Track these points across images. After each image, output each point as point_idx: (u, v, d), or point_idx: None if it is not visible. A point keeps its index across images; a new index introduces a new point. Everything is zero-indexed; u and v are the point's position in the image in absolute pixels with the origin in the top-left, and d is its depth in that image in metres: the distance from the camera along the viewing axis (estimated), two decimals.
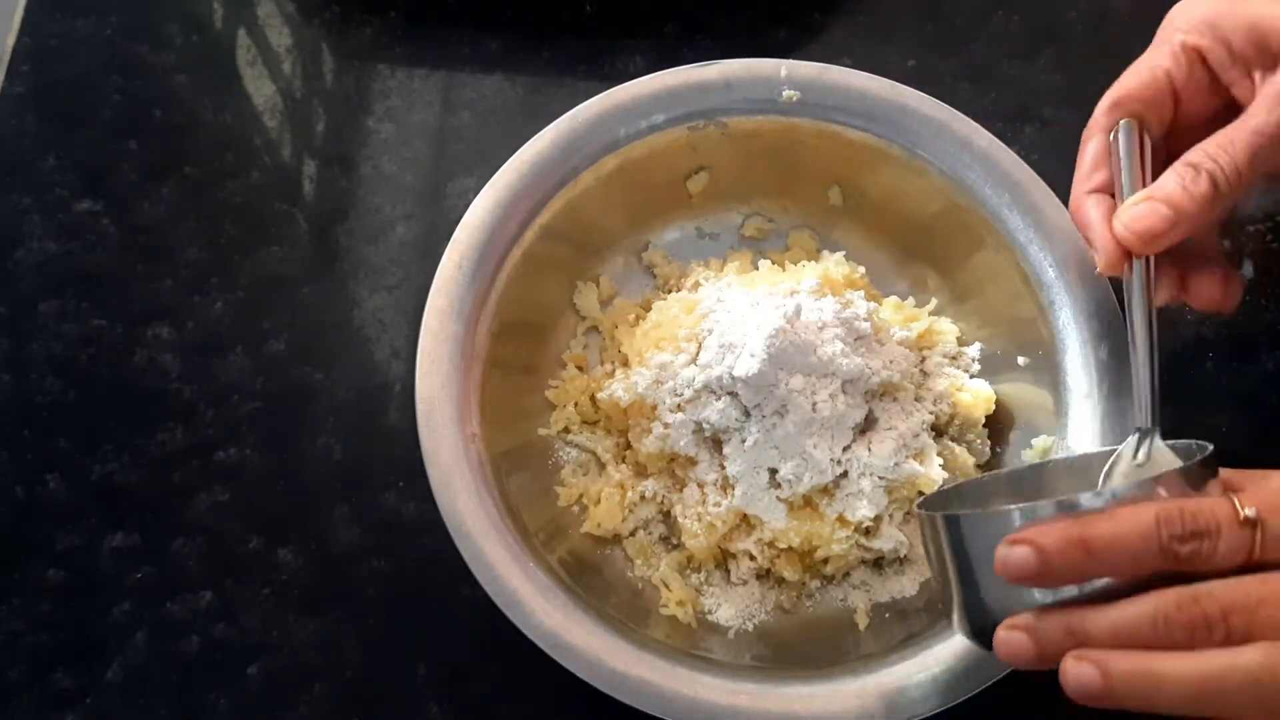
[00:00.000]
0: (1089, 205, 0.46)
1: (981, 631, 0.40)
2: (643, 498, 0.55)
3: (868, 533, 0.53)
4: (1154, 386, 0.44)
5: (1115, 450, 0.46)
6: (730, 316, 0.53)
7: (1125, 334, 0.52)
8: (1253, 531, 0.35)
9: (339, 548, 0.56)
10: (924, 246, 0.60)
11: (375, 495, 0.57)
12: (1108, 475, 0.45)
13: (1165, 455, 0.44)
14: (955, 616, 0.42)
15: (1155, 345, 0.44)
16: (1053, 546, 0.36)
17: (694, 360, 0.53)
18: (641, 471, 0.56)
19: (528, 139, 0.55)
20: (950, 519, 0.41)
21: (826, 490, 0.52)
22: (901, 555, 0.54)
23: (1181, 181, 0.43)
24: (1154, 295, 0.44)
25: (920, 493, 0.55)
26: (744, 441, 0.51)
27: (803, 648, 0.52)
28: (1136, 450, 0.45)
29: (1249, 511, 0.35)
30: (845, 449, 0.52)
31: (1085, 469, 0.47)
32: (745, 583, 0.54)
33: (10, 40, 0.66)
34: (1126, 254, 0.44)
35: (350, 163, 0.65)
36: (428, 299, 0.52)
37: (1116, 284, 0.53)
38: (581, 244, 0.59)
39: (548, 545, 0.52)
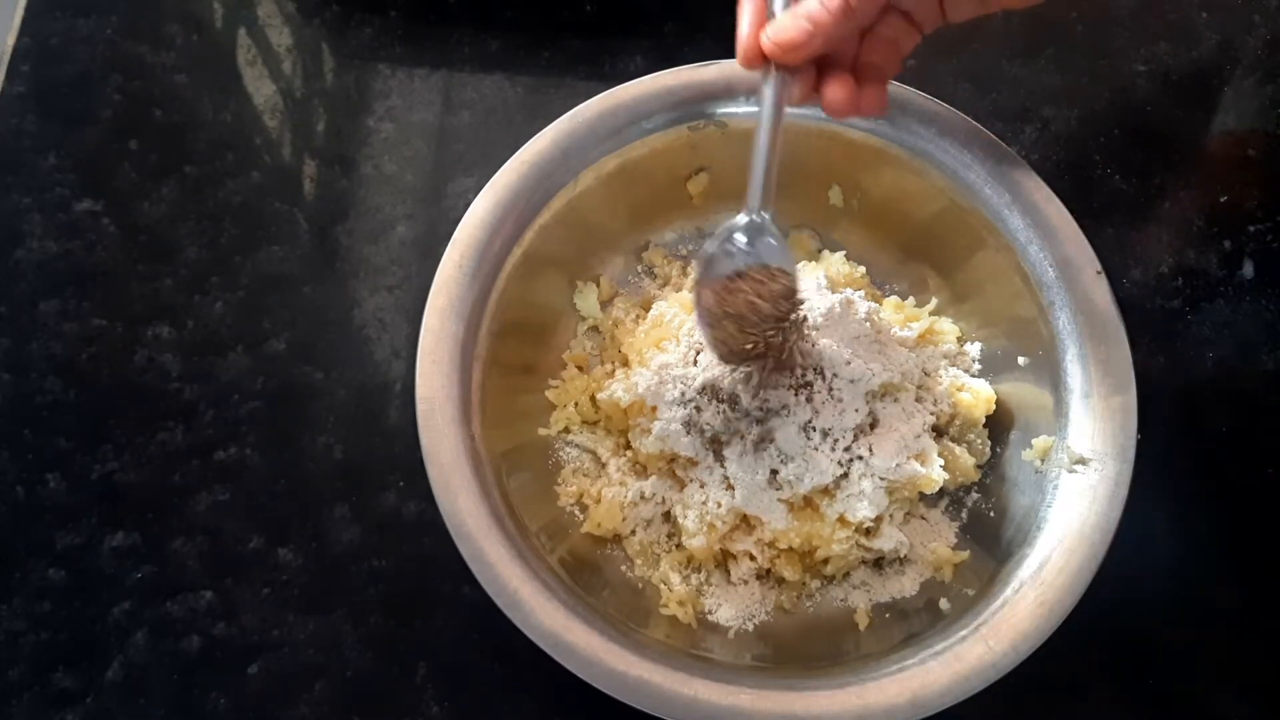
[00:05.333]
0: (746, 5, 0.49)
1: None
2: (643, 497, 0.55)
3: (868, 533, 0.53)
4: (769, 176, 0.49)
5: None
6: None
7: (1124, 334, 0.52)
8: None
9: (339, 547, 0.56)
10: (924, 246, 0.60)
11: (375, 495, 0.57)
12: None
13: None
14: None
15: (778, 142, 0.48)
16: None
17: (694, 361, 0.53)
18: (641, 471, 0.56)
19: (528, 139, 0.55)
20: None
21: (827, 491, 0.52)
22: (902, 555, 0.54)
23: (821, 1, 0.46)
24: (790, 94, 0.49)
25: (921, 494, 0.55)
26: (744, 442, 0.51)
27: (803, 648, 0.52)
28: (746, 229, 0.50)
29: None
30: (846, 450, 0.52)
31: None
32: (745, 583, 0.54)
33: (10, 40, 0.66)
34: (765, 59, 0.48)
35: (350, 163, 0.65)
36: (428, 298, 0.52)
37: (1115, 283, 0.53)
38: (581, 244, 0.59)
39: (548, 545, 0.52)
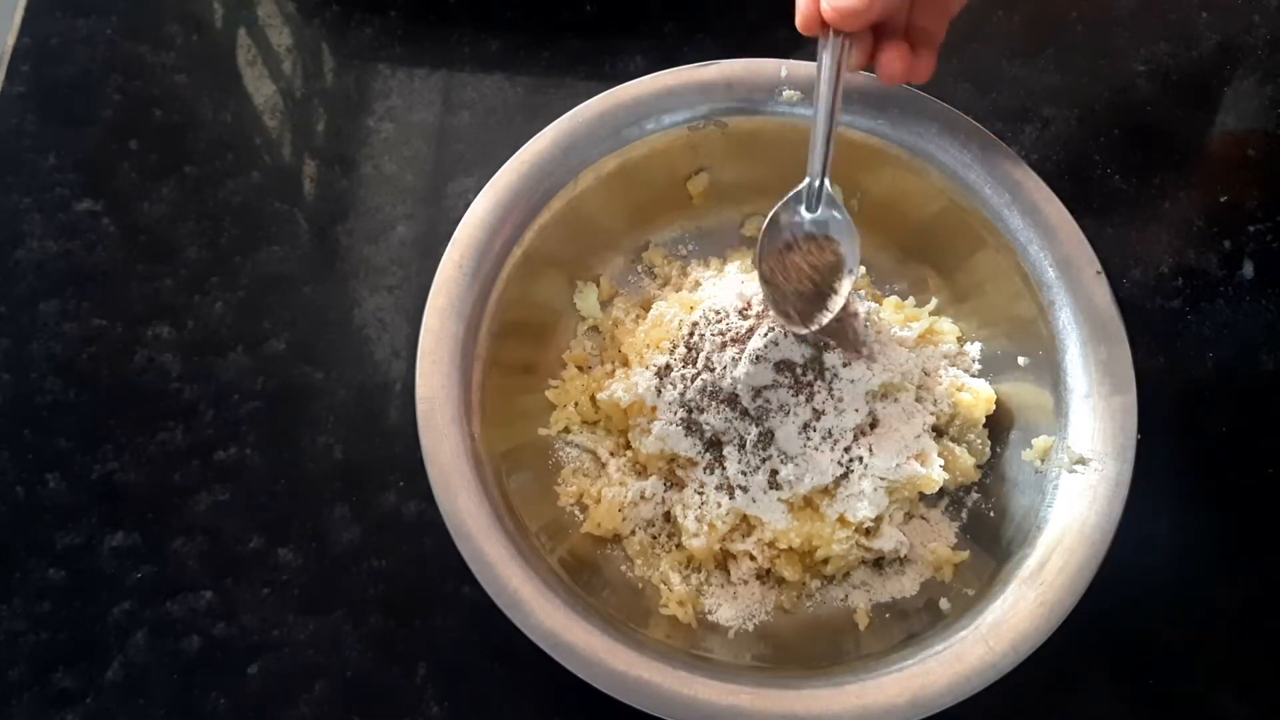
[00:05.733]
0: None
1: None
2: (643, 497, 0.55)
3: (868, 533, 0.53)
4: (829, 141, 0.50)
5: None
6: (730, 317, 0.53)
7: (1124, 334, 0.52)
8: None
9: (339, 547, 0.56)
10: (924, 246, 0.60)
11: (375, 495, 0.57)
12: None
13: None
14: None
15: (837, 105, 0.49)
16: None
17: (694, 361, 0.53)
18: (641, 471, 0.56)
19: (528, 139, 0.55)
20: None
21: (827, 491, 0.52)
22: (902, 555, 0.54)
23: None
24: (849, 60, 0.50)
25: (921, 494, 0.55)
26: (744, 443, 0.51)
27: (803, 648, 0.52)
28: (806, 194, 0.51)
29: None
30: (846, 450, 0.52)
31: None
32: (745, 583, 0.54)
33: (10, 40, 0.66)
34: (824, 24, 0.48)
35: (350, 163, 0.65)
36: (428, 298, 0.52)
37: (1115, 283, 0.53)
38: (581, 244, 0.59)
39: (548, 545, 0.52)
